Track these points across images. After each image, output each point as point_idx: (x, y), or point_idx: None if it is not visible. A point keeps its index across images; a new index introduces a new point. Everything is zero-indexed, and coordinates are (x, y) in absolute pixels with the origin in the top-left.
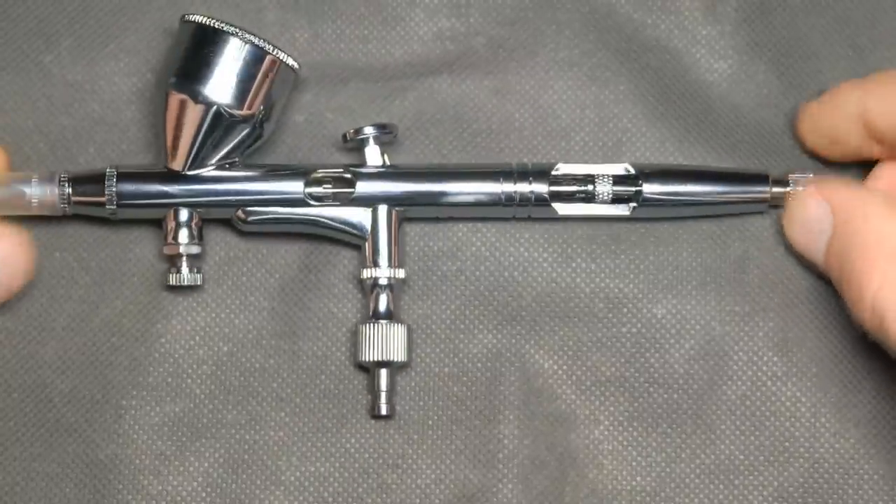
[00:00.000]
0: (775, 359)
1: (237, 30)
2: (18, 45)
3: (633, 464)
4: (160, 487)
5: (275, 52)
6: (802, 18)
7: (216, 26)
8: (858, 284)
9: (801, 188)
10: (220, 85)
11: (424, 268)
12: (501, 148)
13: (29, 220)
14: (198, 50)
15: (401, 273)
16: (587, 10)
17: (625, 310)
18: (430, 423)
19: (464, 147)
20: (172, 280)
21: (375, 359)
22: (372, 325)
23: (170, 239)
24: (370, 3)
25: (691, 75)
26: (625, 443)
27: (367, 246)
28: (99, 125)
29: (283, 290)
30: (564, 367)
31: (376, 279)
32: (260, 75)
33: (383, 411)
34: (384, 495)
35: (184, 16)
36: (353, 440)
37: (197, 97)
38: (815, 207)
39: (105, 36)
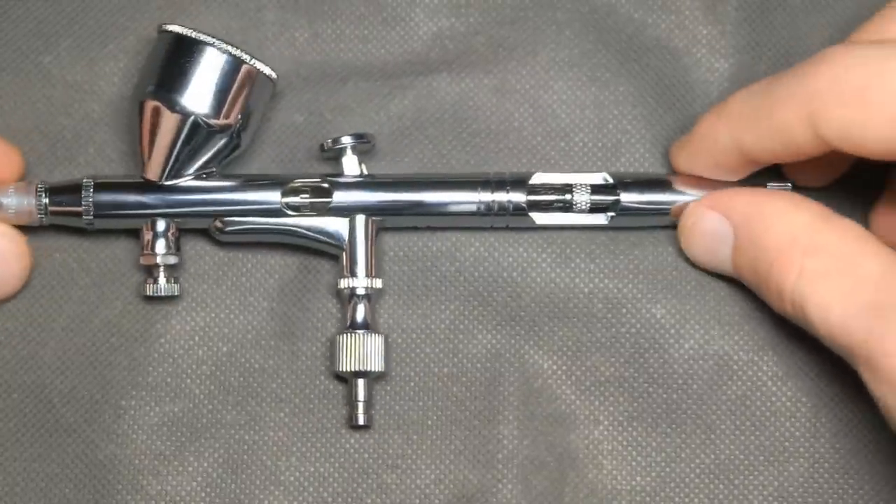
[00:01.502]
0: (776, 358)
1: (215, 40)
2: (18, 45)
3: (633, 464)
4: (159, 487)
5: (252, 62)
6: (803, 18)
7: (193, 36)
8: (777, 283)
9: (691, 201)
10: (198, 95)
11: (424, 269)
12: (500, 148)
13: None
14: (175, 60)
15: (378, 283)
16: (587, 10)
17: (624, 310)
18: (430, 423)
19: (463, 147)
20: (149, 290)
21: (353, 369)
22: (349, 335)
23: (147, 249)
24: (370, 3)
25: (692, 75)
26: (624, 443)
27: (345, 256)
28: (98, 126)
29: (282, 290)
30: (564, 368)
31: (353, 289)
32: (237, 85)
33: (361, 421)
34: (384, 496)
35: (161, 25)
36: (352, 441)
37: (174, 107)
38: (711, 221)
39: (104, 36)
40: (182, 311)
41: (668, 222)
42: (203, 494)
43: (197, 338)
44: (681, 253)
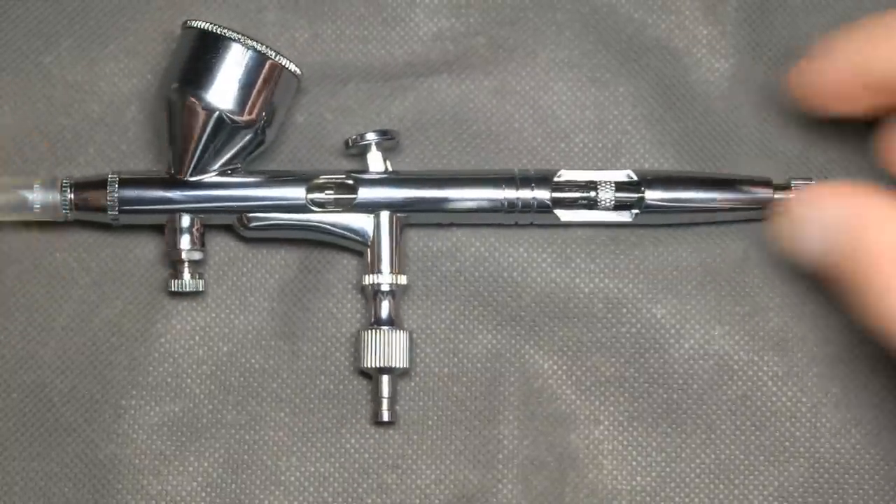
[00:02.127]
0: (776, 358)
1: (240, 36)
2: (18, 45)
3: (633, 464)
4: (160, 487)
5: (277, 58)
6: (803, 18)
7: (219, 32)
8: (876, 294)
9: (808, 189)
10: (223, 91)
11: (424, 269)
12: (501, 149)
13: (29, 220)
14: (200, 56)
15: (402, 279)
16: (587, 11)
17: (624, 310)
18: (430, 423)
19: (463, 148)
20: (174, 286)
21: (377, 365)
22: (374, 331)
23: (171, 245)
24: (370, 4)
25: (692, 75)
26: (625, 443)
27: (369, 252)
28: (99, 126)
29: (282, 290)
30: (564, 368)
31: (378, 285)
32: (262, 81)
33: (385, 417)
34: (384, 496)
35: (186, 21)
36: (352, 441)
37: (199, 103)
38: (826, 210)
39: (105, 37)
40: (182, 310)
41: (694, 219)
42: (203, 494)
43: (197, 337)
44: (691, 250)
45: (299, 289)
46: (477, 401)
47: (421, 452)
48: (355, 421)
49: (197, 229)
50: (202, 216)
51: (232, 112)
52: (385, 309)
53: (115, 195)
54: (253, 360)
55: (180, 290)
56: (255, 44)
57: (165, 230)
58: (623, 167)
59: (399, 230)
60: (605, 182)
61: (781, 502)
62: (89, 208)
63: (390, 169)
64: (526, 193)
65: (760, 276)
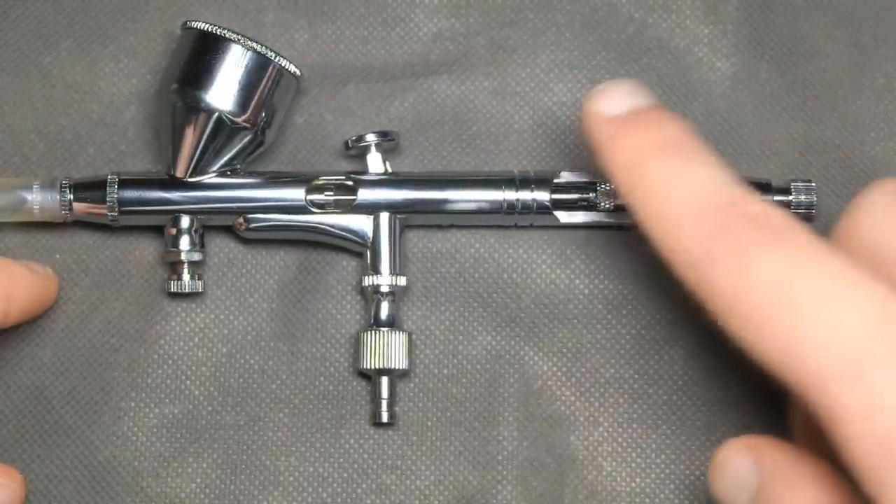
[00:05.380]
0: None
1: (240, 36)
2: (18, 45)
3: (633, 465)
4: (159, 489)
5: (277, 59)
6: (805, 16)
7: (218, 33)
8: None
9: (729, 446)
10: (223, 92)
11: (424, 270)
12: (501, 150)
13: (28, 222)
14: (200, 57)
15: (402, 281)
16: (587, 11)
17: (624, 311)
18: (430, 424)
19: (463, 149)
20: (173, 287)
21: (376, 366)
22: (373, 332)
23: (171, 246)
24: (370, 4)
25: (693, 75)
26: (624, 444)
27: (369, 253)
28: (98, 126)
29: (281, 291)
30: (564, 369)
31: (377, 286)
32: (262, 82)
33: (384, 419)
34: (383, 496)
35: (185, 22)
36: (352, 441)
37: (199, 104)
38: (742, 465)
39: (104, 37)
40: (181, 312)
41: None
42: (203, 496)
43: (196, 339)
44: None
45: (299, 290)
46: (476, 402)
47: (420, 453)
48: (354, 422)
49: (196, 230)
50: (202, 217)
51: (232, 113)
52: (384, 310)
53: (115, 196)
54: (252, 362)
55: (180, 291)
56: (254, 44)
57: (165, 231)
58: None
59: (399, 231)
60: (605, 184)
61: None
62: (88, 209)
63: (390, 170)
64: (526, 195)
65: None
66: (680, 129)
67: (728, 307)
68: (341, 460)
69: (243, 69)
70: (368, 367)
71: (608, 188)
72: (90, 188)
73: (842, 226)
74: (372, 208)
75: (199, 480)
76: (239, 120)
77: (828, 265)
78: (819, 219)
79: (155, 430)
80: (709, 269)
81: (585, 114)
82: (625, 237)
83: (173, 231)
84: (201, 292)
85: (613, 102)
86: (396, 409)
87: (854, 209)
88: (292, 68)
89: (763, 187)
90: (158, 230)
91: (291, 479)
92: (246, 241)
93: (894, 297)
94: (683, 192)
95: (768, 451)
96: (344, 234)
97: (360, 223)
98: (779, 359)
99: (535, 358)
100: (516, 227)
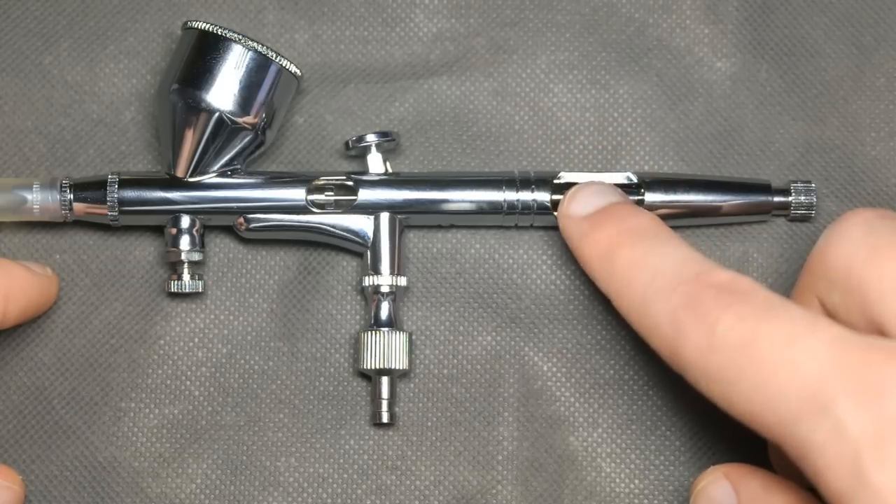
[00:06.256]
0: None
1: (240, 36)
2: (18, 46)
3: (632, 466)
4: (159, 489)
5: (277, 59)
6: (805, 16)
7: (219, 33)
8: None
9: (708, 475)
10: (223, 92)
11: (424, 270)
12: (501, 151)
13: (28, 222)
14: (200, 57)
15: (402, 281)
16: (587, 11)
17: None
18: (430, 424)
19: (463, 149)
20: (174, 287)
21: (376, 366)
22: (373, 332)
23: (171, 246)
24: (370, 4)
25: (693, 75)
26: (623, 445)
27: (369, 253)
28: (98, 126)
29: (281, 292)
30: (563, 370)
31: (378, 287)
32: (262, 82)
33: (384, 419)
34: (383, 497)
35: (186, 22)
36: (351, 442)
37: (199, 104)
38: (721, 490)
39: (104, 37)
40: (181, 312)
41: (693, 222)
42: (203, 496)
43: (196, 339)
44: None
45: (299, 290)
46: (476, 402)
47: (420, 454)
48: (354, 422)
49: (197, 230)
50: (202, 217)
51: (232, 113)
52: (385, 310)
53: (115, 196)
54: (252, 362)
55: (180, 291)
56: (255, 45)
57: (165, 231)
58: (623, 169)
59: (399, 231)
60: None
61: None
62: (89, 209)
63: (390, 170)
64: (526, 195)
65: (760, 276)
66: (644, 218)
67: (699, 371)
68: (341, 461)
69: (244, 69)
70: (368, 367)
71: None
72: (90, 188)
73: (815, 254)
74: (372, 208)
75: (199, 481)
76: (239, 120)
77: (785, 316)
78: (819, 219)
79: (155, 430)
80: (679, 339)
81: (559, 217)
82: None
83: (173, 231)
84: (201, 292)
85: (582, 204)
86: (396, 409)
87: (827, 238)
88: (293, 68)
89: (763, 188)
90: (158, 230)
91: (291, 479)
92: (246, 241)
93: (847, 334)
94: (650, 275)
95: (744, 478)
96: (344, 234)
97: (361, 223)
98: (750, 409)
99: (535, 358)
100: (516, 227)
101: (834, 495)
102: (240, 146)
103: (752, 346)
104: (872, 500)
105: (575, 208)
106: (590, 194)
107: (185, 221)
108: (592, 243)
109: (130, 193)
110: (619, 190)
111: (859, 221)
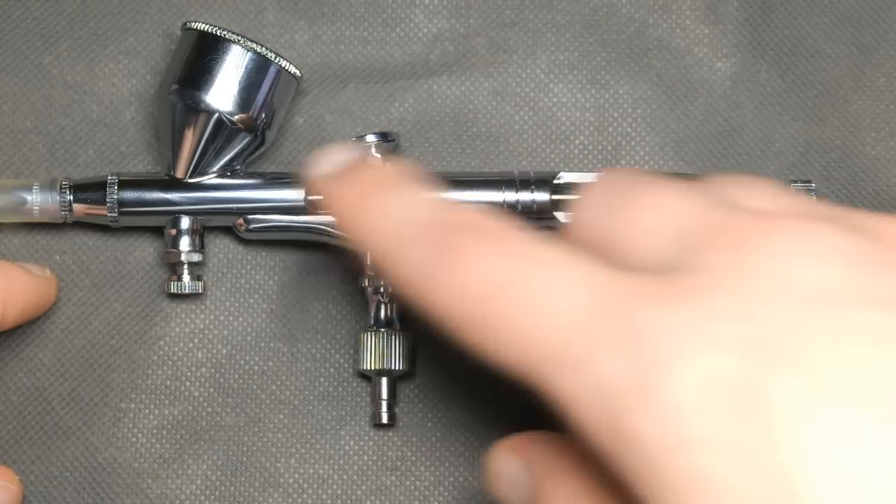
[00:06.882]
0: None
1: (239, 37)
2: (17, 46)
3: None
4: (159, 490)
5: (277, 60)
6: (805, 17)
7: (218, 34)
8: None
9: (497, 453)
10: (222, 93)
11: None
12: (501, 151)
13: (28, 223)
14: (200, 57)
15: None
16: (587, 11)
17: None
18: (430, 425)
19: (463, 150)
20: (173, 288)
21: (377, 367)
22: (373, 333)
23: (171, 247)
24: (370, 5)
25: (693, 75)
26: None
27: (369, 253)
28: (98, 127)
29: (281, 292)
30: None
31: (378, 287)
32: (262, 83)
33: (384, 420)
34: (383, 497)
35: (185, 23)
36: (352, 442)
37: (199, 105)
38: (511, 470)
39: (104, 37)
40: (181, 312)
41: None
42: (203, 497)
43: (196, 340)
44: None
45: (299, 290)
46: (476, 402)
47: (420, 454)
48: (354, 423)
49: (196, 231)
50: (201, 218)
51: (231, 113)
52: (384, 311)
53: (115, 197)
54: (252, 362)
55: (179, 292)
56: (254, 45)
57: (165, 232)
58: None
59: None
60: None
61: None
62: (88, 210)
63: None
64: (526, 195)
65: None
66: (388, 169)
67: (450, 315)
68: (341, 461)
69: (243, 70)
70: (368, 367)
71: None
72: (90, 189)
73: (568, 224)
74: None
75: (199, 482)
76: (239, 121)
77: (541, 256)
78: None
79: (155, 431)
80: (430, 283)
81: (307, 183)
82: None
83: (173, 232)
84: (201, 293)
85: (324, 164)
86: (397, 410)
87: (575, 207)
88: (292, 69)
89: None
90: (158, 231)
91: (291, 480)
92: (246, 242)
93: (604, 275)
94: (399, 221)
95: (534, 448)
96: (344, 234)
97: None
98: (505, 361)
99: None
100: None
101: (605, 455)
102: (239, 147)
103: (502, 293)
104: (643, 455)
105: (317, 170)
106: (331, 155)
107: (185, 222)
108: (339, 198)
109: (130, 194)
110: (360, 147)
111: (605, 187)
